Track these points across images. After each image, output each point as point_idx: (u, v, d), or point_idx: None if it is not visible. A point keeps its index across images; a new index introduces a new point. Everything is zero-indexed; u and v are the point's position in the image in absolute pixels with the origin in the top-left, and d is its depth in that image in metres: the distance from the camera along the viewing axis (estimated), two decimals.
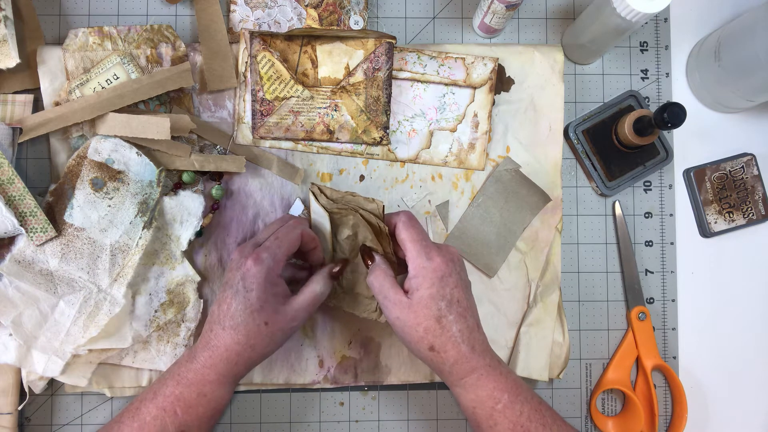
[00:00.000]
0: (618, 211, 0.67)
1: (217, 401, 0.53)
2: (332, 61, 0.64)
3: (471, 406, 0.52)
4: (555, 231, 0.66)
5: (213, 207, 0.64)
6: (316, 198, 0.59)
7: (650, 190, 0.68)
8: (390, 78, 0.64)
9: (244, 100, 0.64)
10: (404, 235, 0.54)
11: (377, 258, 0.56)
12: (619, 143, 0.66)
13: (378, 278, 0.54)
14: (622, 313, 0.68)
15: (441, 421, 0.66)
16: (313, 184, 0.59)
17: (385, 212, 0.57)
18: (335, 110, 0.64)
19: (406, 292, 0.52)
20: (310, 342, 0.64)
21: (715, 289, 0.68)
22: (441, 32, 0.68)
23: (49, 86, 0.62)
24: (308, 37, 0.64)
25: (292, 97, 0.64)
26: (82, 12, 0.66)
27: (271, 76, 0.63)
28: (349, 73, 0.64)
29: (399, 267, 0.57)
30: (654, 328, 0.67)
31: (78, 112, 0.60)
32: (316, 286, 0.55)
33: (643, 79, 0.68)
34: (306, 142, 0.65)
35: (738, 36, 0.62)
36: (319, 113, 0.64)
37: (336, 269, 0.57)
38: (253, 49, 0.63)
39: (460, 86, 0.65)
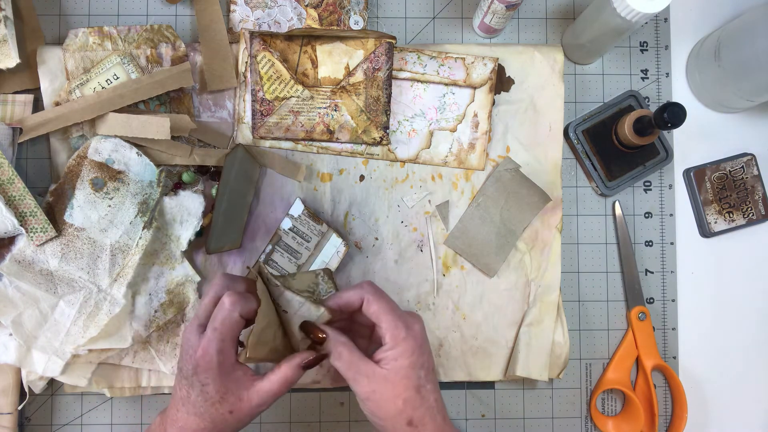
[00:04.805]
0: (618, 211, 0.67)
1: None
2: (332, 61, 0.64)
3: None
4: (555, 231, 0.66)
5: (213, 207, 0.64)
6: (264, 281, 0.52)
7: (650, 190, 0.68)
8: (390, 78, 0.64)
9: (244, 100, 0.64)
10: (376, 306, 0.50)
11: (330, 332, 0.50)
12: (619, 143, 0.66)
13: (343, 354, 0.49)
14: (622, 313, 0.68)
15: None
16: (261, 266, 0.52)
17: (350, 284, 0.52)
18: (335, 110, 0.64)
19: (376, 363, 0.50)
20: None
21: (715, 289, 0.68)
22: (441, 32, 0.68)
23: (49, 86, 0.62)
24: (308, 37, 0.64)
25: (292, 97, 0.64)
26: (82, 12, 0.66)
27: (271, 76, 0.63)
28: (349, 73, 0.64)
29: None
30: (654, 328, 0.67)
31: (78, 112, 0.60)
32: (282, 375, 0.49)
33: (643, 79, 0.68)
34: (306, 142, 0.65)
35: (738, 36, 0.62)
36: (319, 113, 0.64)
37: (308, 361, 0.50)
38: (253, 49, 0.63)
39: (460, 86, 0.65)
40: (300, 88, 0.63)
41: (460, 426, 0.66)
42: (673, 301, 0.68)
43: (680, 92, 0.69)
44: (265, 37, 0.63)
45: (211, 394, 0.49)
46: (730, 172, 0.67)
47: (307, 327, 0.51)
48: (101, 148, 0.60)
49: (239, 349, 0.51)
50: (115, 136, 0.60)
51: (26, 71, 0.63)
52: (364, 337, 0.55)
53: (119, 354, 0.62)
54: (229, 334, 0.49)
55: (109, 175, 0.60)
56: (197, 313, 0.51)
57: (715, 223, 0.67)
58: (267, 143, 0.65)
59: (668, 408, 0.68)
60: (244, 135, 0.64)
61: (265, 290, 0.50)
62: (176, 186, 0.63)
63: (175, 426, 0.50)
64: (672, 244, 0.68)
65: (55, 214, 0.60)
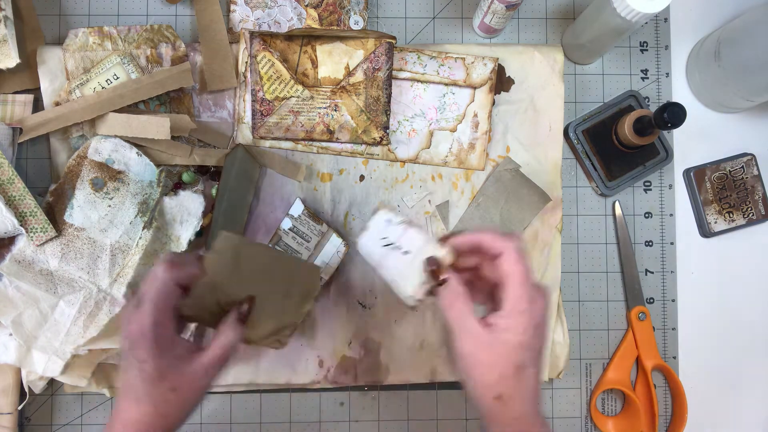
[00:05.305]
0: (618, 211, 0.67)
1: None
2: (332, 61, 0.64)
3: None
4: (555, 231, 0.66)
5: (213, 207, 0.64)
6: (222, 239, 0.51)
7: (650, 190, 0.68)
8: (390, 78, 0.64)
9: (244, 100, 0.64)
10: (513, 268, 0.45)
11: (453, 278, 0.47)
12: (619, 143, 0.66)
13: (456, 305, 0.46)
14: (622, 313, 0.68)
15: (441, 421, 0.66)
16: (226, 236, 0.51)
17: (488, 235, 0.48)
18: (335, 110, 0.64)
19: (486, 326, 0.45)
20: (309, 342, 0.64)
21: (715, 289, 0.68)
22: (441, 32, 0.68)
23: (49, 86, 0.62)
24: (308, 37, 0.64)
25: (292, 97, 0.64)
26: (82, 12, 0.66)
27: (271, 76, 0.63)
28: (349, 73, 0.64)
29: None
30: (654, 328, 0.67)
31: (78, 112, 0.60)
32: (223, 338, 0.48)
33: (643, 79, 0.68)
34: (306, 142, 0.65)
35: (738, 36, 0.62)
36: (319, 113, 0.64)
37: (243, 310, 0.49)
38: (253, 49, 0.63)
39: (460, 86, 0.65)
40: (300, 88, 0.63)
41: (460, 426, 0.66)
42: (673, 301, 0.68)
43: (680, 92, 0.69)
44: (265, 37, 0.63)
45: (149, 371, 0.45)
46: (730, 172, 0.67)
47: (434, 263, 0.48)
48: (101, 148, 0.60)
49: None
50: (115, 136, 0.60)
51: (26, 71, 0.63)
52: (483, 293, 0.50)
53: (119, 354, 0.62)
54: (164, 304, 0.46)
55: (109, 175, 0.60)
56: (139, 290, 0.48)
57: (715, 223, 0.67)
58: (267, 143, 0.65)
59: (668, 408, 0.68)
60: (244, 135, 0.64)
61: (216, 261, 0.48)
62: (176, 186, 0.63)
63: (117, 417, 0.47)
64: (672, 244, 0.68)
65: (55, 214, 0.60)
